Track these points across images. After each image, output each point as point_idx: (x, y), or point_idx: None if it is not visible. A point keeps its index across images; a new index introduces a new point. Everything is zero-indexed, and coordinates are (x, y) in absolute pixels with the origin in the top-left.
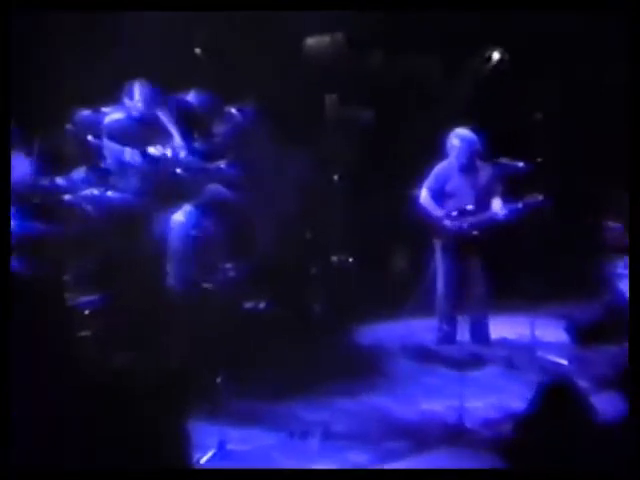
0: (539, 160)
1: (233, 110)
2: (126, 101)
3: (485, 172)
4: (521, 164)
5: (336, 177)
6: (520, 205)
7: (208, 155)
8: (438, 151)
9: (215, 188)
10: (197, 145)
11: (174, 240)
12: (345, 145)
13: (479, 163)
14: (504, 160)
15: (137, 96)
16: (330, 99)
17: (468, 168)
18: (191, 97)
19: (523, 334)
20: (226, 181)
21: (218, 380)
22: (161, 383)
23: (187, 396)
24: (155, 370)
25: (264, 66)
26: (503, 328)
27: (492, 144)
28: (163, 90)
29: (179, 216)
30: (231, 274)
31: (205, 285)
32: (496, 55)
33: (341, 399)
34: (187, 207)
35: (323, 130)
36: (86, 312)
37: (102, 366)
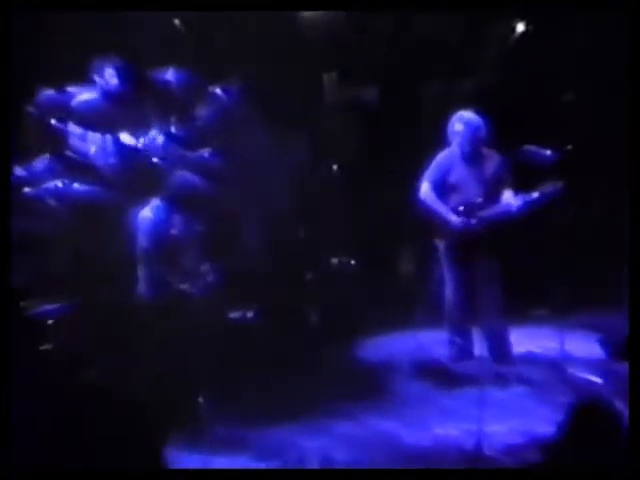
0: (569, 147)
1: (217, 90)
2: (97, 79)
3: (492, 161)
4: (548, 152)
5: (335, 166)
6: (536, 195)
7: (188, 142)
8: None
9: (183, 177)
10: (176, 130)
11: (142, 239)
12: (346, 130)
13: (485, 151)
14: (531, 148)
15: (109, 74)
16: (329, 77)
17: (472, 156)
18: (169, 75)
19: (550, 348)
20: (209, 171)
21: (200, 401)
22: (134, 404)
23: (164, 419)
24: (127, 389)
25: (252, 40)
26: (527, 341)
27: (507, 131)
28: (138, 67)
29: (146, 212)
30: (210, 278)
31: (182, 291)
32: (518, 28)
33: (342, 423)
34: (155, 201)
35: (321, 113)
36: (49, 322)
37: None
